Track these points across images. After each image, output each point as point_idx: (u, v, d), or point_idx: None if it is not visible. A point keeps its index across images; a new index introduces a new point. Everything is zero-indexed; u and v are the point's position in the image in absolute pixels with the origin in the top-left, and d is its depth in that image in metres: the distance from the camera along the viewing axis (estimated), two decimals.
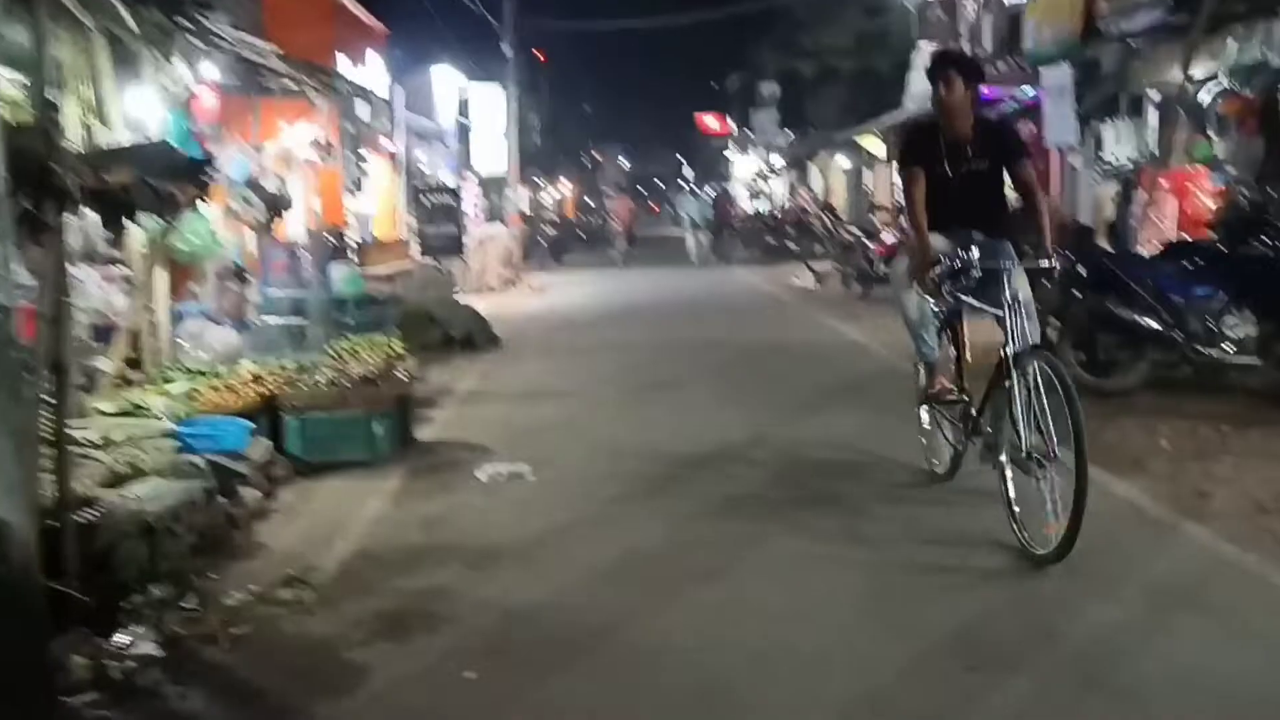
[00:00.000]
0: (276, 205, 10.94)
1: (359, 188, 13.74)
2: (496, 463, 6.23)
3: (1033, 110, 17.26)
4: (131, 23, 7.05)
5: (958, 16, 18.37)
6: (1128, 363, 7.40)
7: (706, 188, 29.31)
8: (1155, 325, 7.26)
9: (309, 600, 4.20)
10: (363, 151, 17.45)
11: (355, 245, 15.25)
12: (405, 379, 7.00)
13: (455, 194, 16.26)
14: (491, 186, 27.46)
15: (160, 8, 7.18)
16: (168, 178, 5.47)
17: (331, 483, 6.04)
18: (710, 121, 52.70)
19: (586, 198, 53.38)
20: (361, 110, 14.03)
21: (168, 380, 6.99)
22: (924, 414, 5.77)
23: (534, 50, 32.87)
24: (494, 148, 25.68)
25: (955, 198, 5.17)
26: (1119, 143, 11.82)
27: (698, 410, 7.97)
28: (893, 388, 8.64)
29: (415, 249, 16.29)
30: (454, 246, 15.90)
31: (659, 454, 6.48)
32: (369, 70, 18.13)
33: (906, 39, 25.49)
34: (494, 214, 25.58)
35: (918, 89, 22.55)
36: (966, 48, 18.09)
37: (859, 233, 16.07)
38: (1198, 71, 10.05)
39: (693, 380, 9.23)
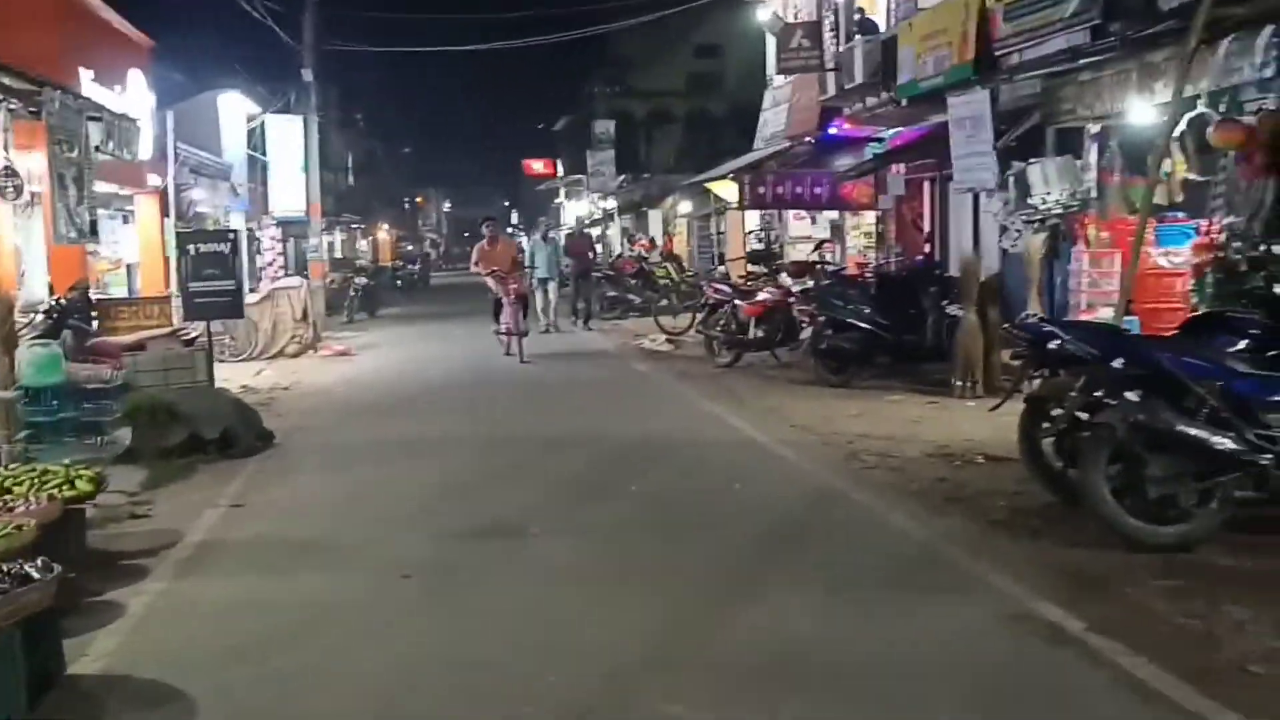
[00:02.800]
0: None
1: (92, 233, 10.37)
2: None
3: (901, 152, 15.39)
4: None
5: (822, 46, 16.29)
6: (1191, 501, 5.03)
7: (552, 232, 25.67)
8: (1233, 445, 4.93)
9: None
10: (116, 188, 14.11)
11: (88, 308, 11.89)
12: (42, 574, 3.92)
13: (232, 240, 12.94)
14: (296, 232, 24.03)
15: None
16: None
17: None
18: (537, 165, 50.62)
19: (405, 243, 50.08)
20: (95, 135, 10.74)
21: None
22: None
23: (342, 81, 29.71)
24: (293, 186, 22.38)
25: None
26: (1047, 185, 9.76)
27: (561, 593, 5.05)
28: (832, 525, 6.05)
29: (180, 311, 12.89)
30: (230, 307, 12.56)
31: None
32: (129, 91, 14.86)
33: (750, 79, 23.63)
34: (299, 262, 22.20)
35: (771, 130, 20.51)
36: (831, 82, 16.10)
37: (729, 290, 13.55)
38: (1160, 97, 8.06)
39: (546, 516, 6.30)
